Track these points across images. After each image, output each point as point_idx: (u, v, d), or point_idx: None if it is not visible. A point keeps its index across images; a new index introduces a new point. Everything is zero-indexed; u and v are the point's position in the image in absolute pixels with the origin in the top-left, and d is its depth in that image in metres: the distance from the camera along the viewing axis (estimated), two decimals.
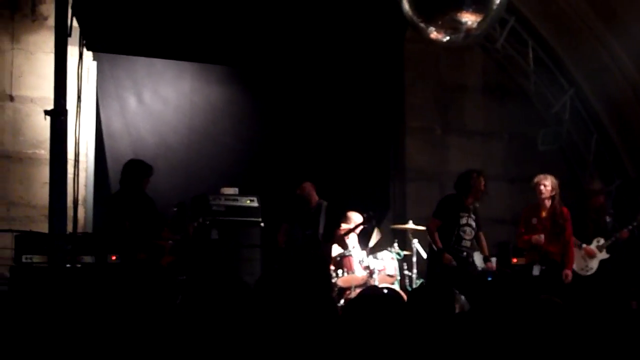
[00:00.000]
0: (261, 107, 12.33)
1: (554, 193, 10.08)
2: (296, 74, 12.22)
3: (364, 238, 11.50)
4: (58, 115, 8.09)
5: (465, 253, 9.75)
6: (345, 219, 10.95)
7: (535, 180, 10.24)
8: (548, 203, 10.13)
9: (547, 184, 10.09)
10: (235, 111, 12.19)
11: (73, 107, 9.26)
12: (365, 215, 10.56)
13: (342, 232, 10.70)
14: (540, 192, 10.10)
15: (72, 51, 9.50)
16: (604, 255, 10.82)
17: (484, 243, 10.16)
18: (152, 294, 8.92)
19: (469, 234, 9.76)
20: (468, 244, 9.76)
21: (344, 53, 12.08)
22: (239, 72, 12.22)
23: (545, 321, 5.26)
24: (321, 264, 10.19)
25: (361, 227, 10.80)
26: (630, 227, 10.96)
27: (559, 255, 10.10)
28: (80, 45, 9.84)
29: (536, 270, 9.96)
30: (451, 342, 4.83)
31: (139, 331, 6.63)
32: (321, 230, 10.27)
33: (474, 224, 9.87)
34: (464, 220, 9.74)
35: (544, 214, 10.16)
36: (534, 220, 10.15)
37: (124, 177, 9.58)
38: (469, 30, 9.57)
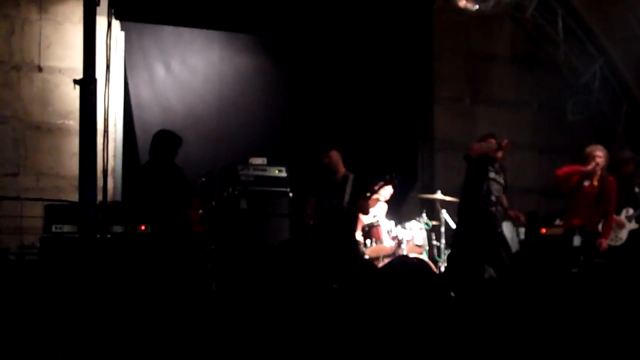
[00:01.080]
0: (289, 76, 12.31)
1: (605, 164, 10.07)
2: (325, 43, 12.18)
3: (394, 209, 11.50)
4: (87, 85, 8.14)
5: (494, 208, 9.69)
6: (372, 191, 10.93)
7: (588, 150, 10.18)
8: (599, 173, 10.09)
9: (601, 155, 10.05)
10: (264, 81, 12.17)
11: (102, 77, 9.28)
12: (387, 177, 10.50)
13: (364, 197, 10.63)
14: (595, 162, 10.04)
15: (101, 21, 9.52)
16: (633, 225, 10.75)
17: (505, 199, 10.10)
18: (181, 263, 8.97)
19: (497, 189, 9.70)
20: (495, 200, 9.69)
21: (373, 22, 12.05)
22: (267, 41, 12.18)
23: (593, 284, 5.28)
24: (346, 231, 10.18)
25: (384, 188, 10.71)
26: None
27: (596, 224, 10.07)
28: (109, 15, 9.82)
29: (577, 241, 9.91)
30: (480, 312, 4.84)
31: (165, 301, 6.68)
32: (347, 201, 10.25)
33: (502, 181, 9.81)
34: (492, 175, 9.69)
35: (595, 181, 10.13)
36: (586, 183, 10.09)
37: (154, 148, 9.59)
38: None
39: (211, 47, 11.93)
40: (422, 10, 12.61)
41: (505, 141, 9.63)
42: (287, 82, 12.30)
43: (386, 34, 12.27)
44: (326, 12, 11.84)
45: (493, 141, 9.72)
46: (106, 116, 9.51)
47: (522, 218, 10.49)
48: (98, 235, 8.83)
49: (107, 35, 9.51)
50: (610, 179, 10.16)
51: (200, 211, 9.60)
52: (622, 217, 10.72)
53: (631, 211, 10.72)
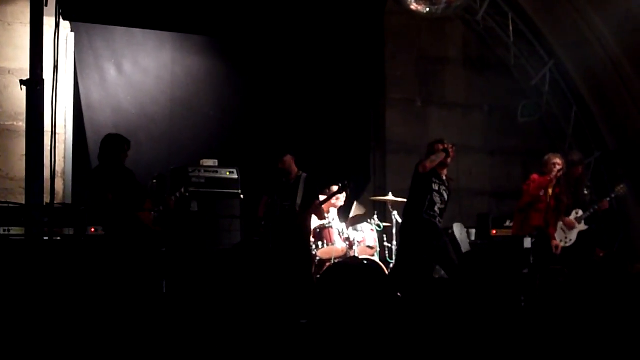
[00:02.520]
0: (241, 78, 12.28)
1: (562, 172, 10.25)
2: (277, 45, 12.17)
3: (344, 211, 11.53)
4: (34, 86, 8.04)
5: (438, 219, 9.73)
6: (324, 192, 10.97)
7: (547, 158, 10.36)
8: (554, 180, 10.27)
9: (560, 162, 10.23)
10: (216, 82, 12.14)
11: (50, 78, 9.18)
12: (340, 184, 10.54)
13: (319, 203, 10.70)
14: (552, 170, 10.23)
15: (49, 22, 9.42)
16: (582, 226, 10.89)
17: None
18: (132, 266, 8.92)
19: (440, 202, 9.73)
20: (439, 211, 9.73)
21: (325, 24, 12.06)
22: (219, 42, 12.15)
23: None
24: (298, 233, 10.18)
25: (337, 195, 10.77)
26: (610, 197, 11.06)
27: (546, 229, 10.26)
28: (57, 15, 9.73)
29: (527, 243, 10.04)
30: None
31: (115, 304, 6.63)
32: (299, 202, 10.25)
33: (445, 195, 9.83)
34: (435, 187, 9.71)
35: (550, 190, 10.29)
36: (542, 193, 10.25)
37: (102, 152, 9.55)
38: (449, 2, 9.60)
39: (163, 48, 11.86)
40: (374, 12, 12.64)
41: (452, 149, 9.66)
42: (239, 84, 12.27)
43: (338, 36, 12.28)
44: (278, 13, 11.83)
45: (441, 147, 9.75)
46: (54, 117, 9.39)
47: None
48: (45, 238, 8.74)
49: (54, 35, 9.41)
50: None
51: (153, 213, 9.57)
52: (572, 218, 10.85)
53: (580, 213, 10.85)
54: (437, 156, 9.58)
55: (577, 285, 5.56)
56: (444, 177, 9.79)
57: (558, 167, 10.26)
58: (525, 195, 10.43)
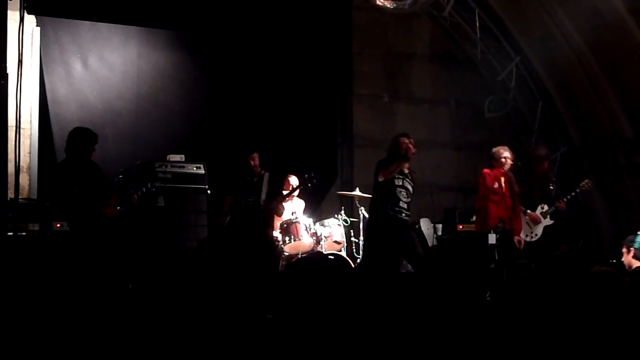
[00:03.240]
0: (208, 73, 12.24)
1: (512, 163, 10.31)
2: (244, 39, 12.14)
3: (312, 206, 11.54)
4: None
5: (404, 214, 9.75)
6: (285, 183, 10.98)
7: (495, 150, 10.41)
8: (508, 172, 10.33)
9: (509, 155, 10.30)
10: (183, 77, 12.09)
11: (14, 72, 9.12)
12: (304, 177, 10.54)
13: (281, 197, 10.69)
14: (503, 163, 10.28)
15: (14, 16, 9.36)
16: (547, 221, 10.96)
17: None
18: (98, 260, 8.88)
19: (405, 195, 9.74)
20: (405, 206, 9.75)
21: (292, 19, 12.05)
22: (185, 37, 12.11)
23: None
24: (262, 228, 10.18)
25: (300, 188, 10.78)
26: (568, 196, 11.13)
27: (508, 223, 10.29)
28: (21, 9, 9.67)
29: (492, 239, 10.10)
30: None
31: (81, 299, 6.59)
32: (263, 197, 10.24)
33: (410, 187, 9.85)
34: (399, 182, 9.72)
35: (503, 182, 10.33)
36: (496, 185, 10.29)
37: (69, 146, 9.49)
38: None
39: (129, 43, 11.80)
40: (341, 8, 12.66)
41: (413, 150, 9.69)
42: (205, 79, 12.24)
43: (305, 31, 12.29)
44: (245, 8, 11.81)
45: (405, 141, 9.78)
46: (18, 111, 9.34)
47: None
48: (10, 233, 8.68)
49: (19, 30, 9.36)
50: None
51: (119, 208, 9.53)
52: (538, 213, 10.92)
53: (546, 207, 10.92)
54: (396, 166, 9.60)
55: (543, 279, 5.59)
56: (406, 171, 9.81)
57: (509, 161, 10.33)
58: (481, 189, 10.47)
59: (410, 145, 9.63)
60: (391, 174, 9.53)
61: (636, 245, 7.70)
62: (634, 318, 4.86)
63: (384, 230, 9.61)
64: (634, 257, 7.67)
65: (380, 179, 9.57)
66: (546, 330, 4.80)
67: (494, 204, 10.30)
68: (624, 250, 7.82)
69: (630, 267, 7.67)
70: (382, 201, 9.65)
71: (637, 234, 7.86)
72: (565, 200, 11.02)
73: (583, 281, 5.09)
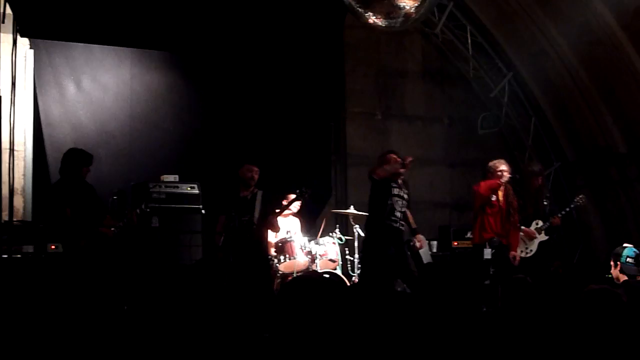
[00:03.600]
0: (201, 93, 12.27)
1: (510, 175, 10.33)
2: (236, 60, 12.16)
3: (308, 224, 11.54)
4: None
5: (398, 224, 9.81)
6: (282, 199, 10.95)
7: (491, 164, 10.42)
8: (504, 186, 10.34)
9: (506, 168, 10.31)
10: (176, 98, 12.12)
11: (8, 94, 9.13)
12: (297, 191, 10.53)
13: (276, 212, 10.67)
14: (500, 177, 10.29)
15: (7, 38, 9.38)
16: (542, 237, 10.97)
17: (410, 215, 10.19)
18: (93, 282, 8.87)
19: (400, 205, 9.80)
20: (400, 215, 9.81)
21: (284, 39, 12.08)
22: (178, 58, 12.13)
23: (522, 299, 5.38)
24: (257, 247, 10.14)
25: (293, 203, 10.74)
26: (563, 212, 11.15)
27: (505, 238, 10.29)
28: (14, 32, 9.68)
29: (487, 254, 10.09)
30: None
31: (76, 320, 6.60)
32: (257, 216, 10.19)
33: (405, 196, 9.92)
34: (395, 191, 9.80)
35: (501, 196, 10.34)
36: (493, 198, 10.30)
37: (64, 166, 9.44)
38: (407, 15, 9.63)
39: (122, 64, 11.83)
40: (333, 26, 12.68)
41: (409, 159, 9.72)
42: (198, 99, 12.26)
43: (298, 50, 12.31)
44: (238, 29, 11.83)
45: (393, 157, 9.84)
46: (12, 134, 9.34)
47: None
48: (4, 256, 8.67)
49: (12, 52, 9.37)
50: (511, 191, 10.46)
51: (113, 229, 9.51)
52: (532, 229, 10.93)
53: (540, 223, 10.93)
54: (392, 166, 9.66)
55: (538, 295, 5.60)
56: (400, 182, 9.88)
57: (506, 175, 10.34)
58: (476, 200, 10.47)
59: (406, 162, 9.68)
60: (386, 172, 9.59)
61: (622, 259, 7.70)
62: (631, 333, 4.87)
63: (379, 239, 9.68)
64: (620, 271, 7.68)
65: (375, 177, 9.63)
66: (542, 345, 4.80)
67: (491, 217, 10.30)
68: (612, 263, 7.83)
69: (618, 280, 7.69)
70: (379, 211, 9.78)
71: (624, 246, 7.87)
72: (559, 215, 11.03)
73: (578, 299, 5.11)
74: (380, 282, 9.26)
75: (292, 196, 10.50)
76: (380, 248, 9.69)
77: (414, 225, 10.16)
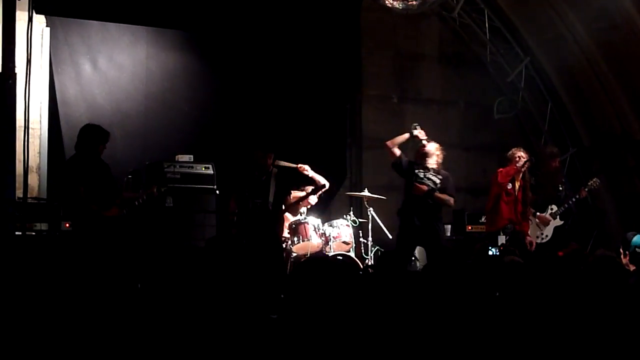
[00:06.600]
0: (217, 73, 12.22)
1: (527, 159, 10.34)
2: (253, 40, 12.13)
3: (322, 207, 11.53)
4: (6, 80, 7.99)
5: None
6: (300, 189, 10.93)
7: (510, 153, 10.47)
8: (521, 178, 10.36)
9: (524, 156, 10.33)
10: (191, 77, 12.09)
11: (23, 72, 9.11)
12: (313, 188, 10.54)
13: (294, 200, 10.69)
14: (517, 162, 10.31)
15: (23, 16, 9.36)
16: (557, 222, 10.96)
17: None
18: (105, 261, 8.87)
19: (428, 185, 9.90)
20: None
21: (301, 20, 12.04)
22: (194, 37, 12.09)
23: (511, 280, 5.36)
24: (271, 230, 10.13)
25: (314, 193, 10.75)
26: (577, 195, 11.13)
27: (519, 224, 10.31)
28: (30, 9, 9.65)
29: (501, 240, 10.13)
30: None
31: (90, 300, 6.59)
32: (271, 199, 10.12)
33: (434, 179, 9.94)
34: (420, 174, 9.84)
35: (517, 183, 10.36)
36: (509, 186, 10.31)
37: (80, 142, 9.29)
38: None
39: (138, 43, 11.80)
40: (350, 9, 12.65)
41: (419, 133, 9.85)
42: (214, 79, 12.22)
43: (314, 31, 12.28)
44: (255, 9, 11.80)
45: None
46: (27, 111, 9.31)
47: None
48: (18, 233, 8.68)
49: (27, 29, 9.33)
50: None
51: (138, 199, 9.52)
52: (547, 214, 10.91)
53: (555, 208, 10.91)
54: (399, 137, 9.79)
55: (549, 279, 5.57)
56: (428, 165, 9.91)
57: (523, 160, 10.34)
58: (493, 187, 10.48)
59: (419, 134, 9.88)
60: (392, 142, 10.04)
61: (630, 249, 7.70)
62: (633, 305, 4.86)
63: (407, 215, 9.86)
64: (630, 260, 7.67)
65: (385, 148, 10.15)
66: (547, 320, 4.79)
67: (506, 205, 10.31)
68: (621, 251, 7.82)
69: (628, 267, 7.66)
70: (406, 190, 10.00)
71: (633, 234, 7.85)
72: (586, 189, 11.06)
73: (583, 267, 5.10)
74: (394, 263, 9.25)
75: (310, 188, 10.54)
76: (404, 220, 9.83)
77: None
